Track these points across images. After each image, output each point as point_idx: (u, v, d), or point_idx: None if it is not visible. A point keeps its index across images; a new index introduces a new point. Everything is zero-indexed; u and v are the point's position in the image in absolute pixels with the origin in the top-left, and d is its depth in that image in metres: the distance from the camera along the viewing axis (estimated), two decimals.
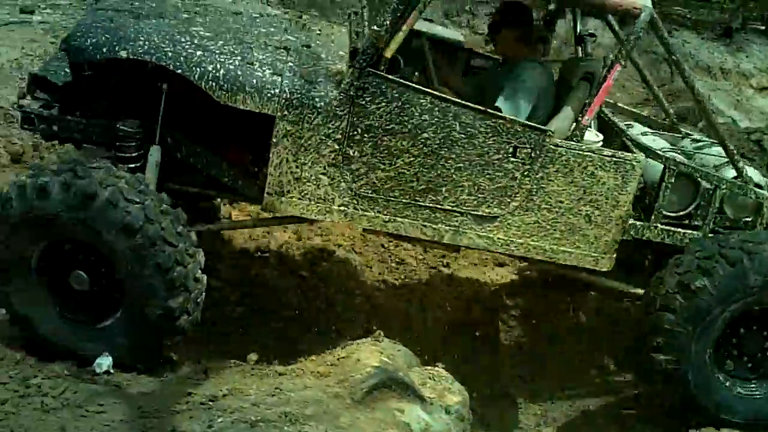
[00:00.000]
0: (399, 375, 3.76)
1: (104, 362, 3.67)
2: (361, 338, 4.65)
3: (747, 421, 4.34)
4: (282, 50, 4.18)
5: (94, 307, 3.85)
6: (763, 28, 14.42)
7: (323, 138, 3.98)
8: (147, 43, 3.87)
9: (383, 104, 3.95)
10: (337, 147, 4.00)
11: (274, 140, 3.96)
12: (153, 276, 3.63)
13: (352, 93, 3.92)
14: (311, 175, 4.05)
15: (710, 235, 4.49)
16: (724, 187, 4.46)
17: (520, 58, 4.56)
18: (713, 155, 4.87)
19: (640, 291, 4.61)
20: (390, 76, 3.96)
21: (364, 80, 3.90)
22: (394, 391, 3.69)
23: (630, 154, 4.27)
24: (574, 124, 4.23)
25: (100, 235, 3.58)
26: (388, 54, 3.88)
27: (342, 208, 4.13)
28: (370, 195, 4.13)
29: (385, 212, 4.17)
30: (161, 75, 3.93)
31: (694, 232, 4.51)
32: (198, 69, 3.86)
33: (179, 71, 3.85)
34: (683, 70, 4.51)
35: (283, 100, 3.90)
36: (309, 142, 3.98)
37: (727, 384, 4.37)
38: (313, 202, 4.11)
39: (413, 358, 4.40)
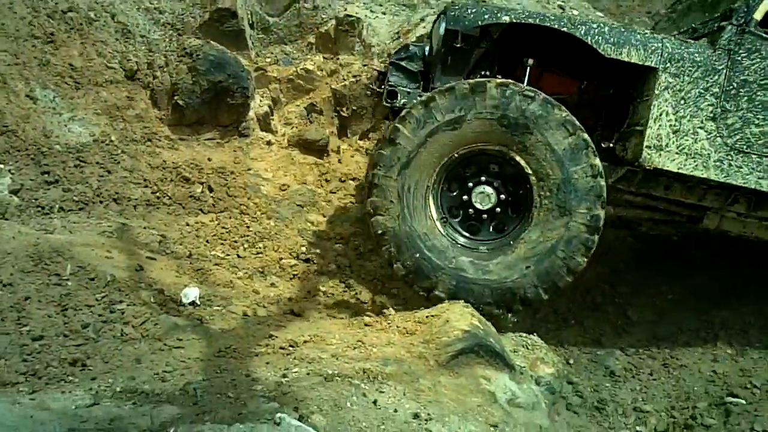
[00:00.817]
0: (489, 341, 3.55)
1: (191, 293, 3.65)
2: None
3: None
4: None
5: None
6: None
7: (702, 91, 4.15)
8: (525, 12, 4.25)
9: (758, 60, 4.14)
10: (714, 101, 4.15)
11: (656, 92, 4.12)
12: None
13: (730, 48, 4.13)
14: (689, 129, 4.18)
15: None
16: None
17: None
18: None
19: None
20: (765, 35, 4.16)
21: (740, 37, 4.13)
22: (481, 358, 3.48)
23: None
24: None
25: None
26: (758, 15, 4.13)
27: (717, 163, 4.22)
28: (744, 150, 4.23)
29: (758, 169, 4.26)
30: (524, 50, 4.33)
31: None
32: (582, 26, 4.11)
33: (564, 29, 4.08)
34: None
35: (666, 53, 4.11)
36: (689, 94, 4.15)
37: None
38: (690, 157, 4.22)
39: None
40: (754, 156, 4.23)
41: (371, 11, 6.80)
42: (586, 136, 3.94)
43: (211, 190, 5.23)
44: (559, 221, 3.96)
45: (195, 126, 5.65)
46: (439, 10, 6.92)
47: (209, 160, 5.48)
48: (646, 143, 4.16)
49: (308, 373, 3.06)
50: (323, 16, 6.67)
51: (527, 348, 3.89)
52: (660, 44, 4.12)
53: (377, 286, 5.02)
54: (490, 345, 3.53)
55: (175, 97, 5.50)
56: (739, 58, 4.14)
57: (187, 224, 4.87)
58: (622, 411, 4.47)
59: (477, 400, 3.27)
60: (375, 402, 2.92)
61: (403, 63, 4.60)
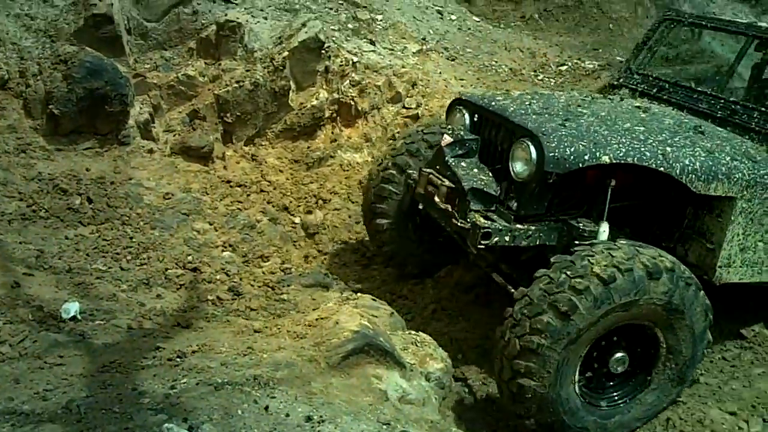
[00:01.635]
0: (378, 340, 3.60)
1: (71, 308, 3.53)
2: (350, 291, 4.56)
3: None
4: (701, 134, 4.45)
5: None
6: None
7: (766, 209, 4.35)
8: (622, 147, 4.05)
9: None
10: None
11: (732, 218, 4.27)
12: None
13: None
14: (752, 244, 4.40)
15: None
16: None
17: None
18: None
19: None
20: None
21: None
22: (372, 357, 3.54)
23: None
24: None
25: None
26: None
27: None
28: None
29: None
30: (606, 171, 4.17)
31: None
32: (677, 164, 4.09)
33: (661, 168, 4.06)
34: None
35: (744, 182, 4.22)
36: (756, 215, 4.34)
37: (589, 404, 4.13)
38: (749, 268, 4.46)
39: (398, 319, 4.27)
40: None
41: (252, 16, 6.78)
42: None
43: (90, 201, 5.06)
44: (675, 389, 4.15)
45: (72, 135, 5.45)
46: (320, 16, 7.02)
47: (88, 170, 5.30)
48: (718, 263, 4.35)
49: (197, 383, 3.02)
50: (203, 21, 6.59)
51: (417, 345, 3.97)
52: (740, 174, 4.22)
53: (267, 292, 5.01)
54: (380, 344, 3.58)
55: (50, 106, 5.30)
56: None
57: (66, 237, 4.69)
58: None
59: (369, 399, 3.32)
60: (266, 408, 2.92)
61: (478, 184, 4.27)
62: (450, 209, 4.30)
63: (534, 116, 4.29)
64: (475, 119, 4.68)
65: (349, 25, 7.37)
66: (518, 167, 4.15)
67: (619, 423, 4.07)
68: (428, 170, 4.56)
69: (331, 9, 7.45)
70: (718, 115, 4.73)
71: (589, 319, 3.65)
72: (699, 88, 5.05)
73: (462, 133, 4.59)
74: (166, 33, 6.51)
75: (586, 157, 3.97)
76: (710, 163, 4.17)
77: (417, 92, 6.94)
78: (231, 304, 4.74)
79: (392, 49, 7.39)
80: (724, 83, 5.33)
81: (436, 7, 8.80)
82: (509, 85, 7.60)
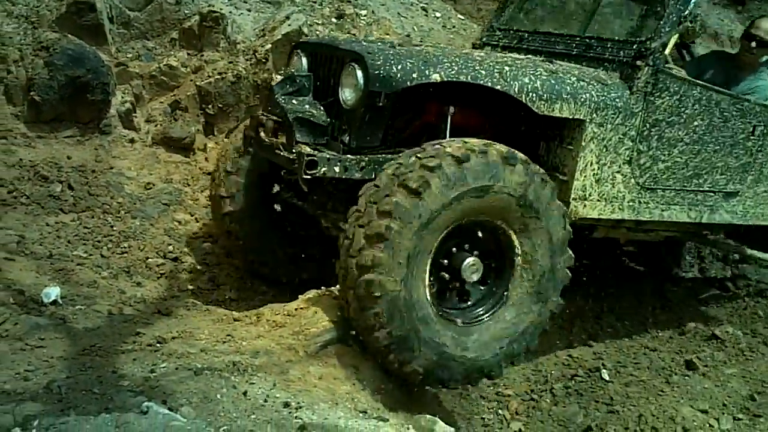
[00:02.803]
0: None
1: (52, 292, 3.55)
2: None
3: None
4: (548, 63, 4.19)
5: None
6: None
7: (621, 137, 4.14)
8: (455, 66, 3.75)
9: (666, 98, 4.21)
10: (631, 144, 4.18)
11: (583, 144, 4.03)
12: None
13: (646, 90, 4.12)
14: (609, 175, 4.18)
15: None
16: None
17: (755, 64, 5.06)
18: None
19: None
20: (674, 72, 4.24)
21: (655, 78, 4.13)
22: (349, 347, 3.60)
23: None
24: None
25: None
26: (668, 52, 4.18)
27: (630, 203, 4.32)
28: (651, 187, 4.36)
29: (662, 202, 4.44)
30: (444, 100, 3.92)
31: None
32: (516, 83, 3.83)
33: (498, 87, 3.78)
34: None
35: (593, 104, 3.99)
36: (610, 142, 4.12)
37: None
38: (608, 203, 4.25)
39: None
40: (659, 191, 4.41)
41: (236, 8, 6.78)
42: (570, 227, 3.85)
43: (71, 188, 5.06)
44: (536, 306, 3.84)
45: (53, 123, 5.43)
46: (303, 9, 7.04)
47: (69, 158, 5.29)
48: (572, 196, 4.11)
49: (177, 368, 3.06)
50: (186, 12, 6.58)
51: None
52: (588, 95, 4.00)
53: (246, 284, 5.03)
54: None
55: (31, 93, 5.28)
56: (653, 99, 4.19)
57: (47, 224, 4.69)
58: (484, 395, 4.69)
59: (346, 388, 3.38)
60: (245, 393, 2.97)
61: (304, 114, 3.90)
62: (275, 142, 3.97)
63: (366, 44, 4.00)
64: (312, 60, 4.30)
65: (333, 20, 7.38)
66: (347, 94, 3.84)
67: (480, 342, 3.73)
68: (258, 114, 4.22)
69: (315, 2, 7.46)
70: (574, 53, 4.47)
71: (442, 200, 3.39)
72: (556, 31, 4.77)
73: (293, 71, 4.25)
74: (148, 22, 6.48)
75: (415, 75, 3.67)
76: (553, 81, 3.94)
77: None
78: (211, 294, 4.77)
79: None
80: (585, 24, 4.94)
81: (421, 4, 8.84)
82: None
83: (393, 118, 3.95)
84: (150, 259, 4.80)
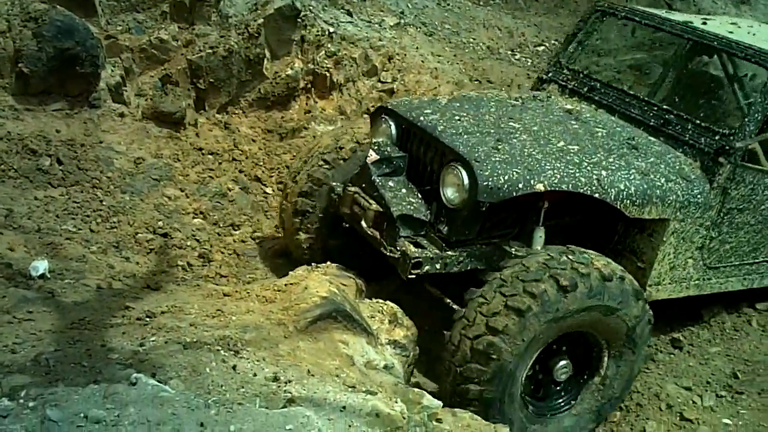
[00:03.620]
0: (346, 307, 3.65)
1: (40, 266, 3.53)
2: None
3: None
4: (634, 150, 4.34)
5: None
6: None
7: (698, 228, 4.38)
8: (556, 173, 3.92)
9: (742, 188, 4.44)
10: (705, 233, 4.43)
11: (664, 239, 4.27)
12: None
13: (725, 185, 4.33)
14: (682, 261, 4.44)
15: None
16: None
17: None
18: None
19: None
20: (751, 165, 4.45)
21: (733, 173, 4.33)
22: (339, 323, 3.59)
23: None
24: None
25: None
26: (746, 148, 4.36)
27: (696, 282, 4.60)
28: (715, 266, 4.63)
29: (723, 277, 4.73)
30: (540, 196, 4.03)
31: None
32: (612, 190, 4.00)
33: (596, 195, 3.96)
34: None
35: (678, 204, 4.21)
36: (688, 234, 4.36)
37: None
38: (677, 284, 4.52)
39: (366, 289, 4.32)
40: (722, 268, 4.68)
41: None
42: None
43: (60, 162, 5.03)
44: (591, 425, 4.20)
45: (41, 96, 5.38)
46: None
47: (58, 131, 5.25)
48: (648, 282, 4.36)
49: (166, 342, 3.05)
50: None
51: (382, 313, 4.02)
52: (674, 196, 4.19)
53: (237, 259, 5.03)
54: (347, 311, 3.63)
55: (19, 65, 5.22)
56: (729, 191, 4.38)
57: (36, 198, 4.67)
58: None
59: (335, 363, 3.38)
60: (234, 367, 2.96)
61: (408, 211, 4.04)
62: (378, 236, 4.08)
63: (465, 136, 4.07)
64: (403, 129, 4.39)
65: None
66: (449, 193, 3.96)
67: None
68: (353, 189, 4.28)
69: None
70: (651, 123, 4.59)
71: (544, 321, 3.62)
72: (631, 92, 4.92)
73: (389, 149, 4.30)
74: None
75: (521, 185, 3.82)
76: (645, 186, 4.09)
77: (393, 66, 6.95)
78: (201, 269, 4.77)
79: (369, 22, 7.39)
80: (657, 86, 5.27)
81: None
82: (485, 64, 7.65)
83: (491, 214, 4.04)
84: (139, 235, 4.79)
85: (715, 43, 4.72)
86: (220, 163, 5.92)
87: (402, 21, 7.65)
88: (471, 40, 7.95)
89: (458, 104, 4.51)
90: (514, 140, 4.12)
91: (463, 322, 3.74)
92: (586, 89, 5.00)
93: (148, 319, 3.30)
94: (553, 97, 4.97)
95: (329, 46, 6.68)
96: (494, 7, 9.37)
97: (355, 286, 4.15)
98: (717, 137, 4.31)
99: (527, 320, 3.57)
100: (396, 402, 3.09)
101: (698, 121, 4.47)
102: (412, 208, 4.08)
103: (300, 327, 3.47)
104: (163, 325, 3.20)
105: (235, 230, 5.33)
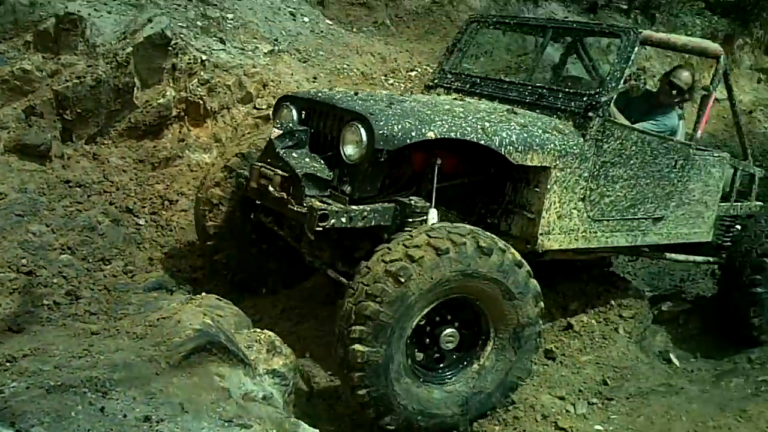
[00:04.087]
0: (221, 338, 3.59)
1: None
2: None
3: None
4: (514, 114, 4.74)
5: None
6: (626, 6, 15.05)
7: (577, 178, 4.74)
8: (446, 124, 4.29)
9: (612, 142, 4.85)
10: (584, 183, 4.79)
11: (548, 187, 4.61)
12: None
13: (597, 137, 4.75)
14: (567, 211, 4.77)
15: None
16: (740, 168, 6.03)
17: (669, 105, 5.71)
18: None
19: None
20: (618, 120, 4.97)
21: (602, 126, 4.75)
22: (214, 355, 3.52)
23: (722, 152, 5.79)
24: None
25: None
26: (611, 101, 4.82)
27: (583, 234, 4.93)
28: (599, 218, 4.98)
29: (607, 231, 5.07)
30: (431, 153, 4.45)
31: (746, 203, 6.17)
32: (496, 138, 4.37)
33: (482, 142, 4.33)
34: (734, 103, 6.04)
35: (557, 152, 4.58)
36: (569, 183, 4.71)
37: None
38: (566, 234, 4.83)
39: (244, 318, 4.27)
40: (605, 221, 5.02)
41: (95, 10, 6.56)
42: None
43: None
44: (500, 372, 4.31)
45: None
46: (167, 12, 6.89)
47: None
48: (539, 231, 4.68)
49: (28, 387, 2.91)
50: (41, 14, 6.32)
51: (260, 343, 3.98)
52: (552, 145, 4.56)
53: (108, 295, 4.88)
54: (222, 342, 3.57)
55: None
56: (601, 144, 4.79)
57: None
58: None
59: (211, 398, 3.31)
60: (102, 409, 2.86)
61: (311, 170, 4.36)
62: (285, 196, 4.34)
63: (360, 101, 4.51)
64: (303, 113, 4.78)
65: (198, 23, 7.26)
66: (349, 150, 4.31)
67: (446, 400, 4.19)
68: (260, 164, 4.60)
69: (179, 5, 7.31)
70: (527, 101, 5.04)
71: (423, 287, 3.85)
72: (507, 79, 5.46)
73: (291, 124, 4.69)
74: (0, 25, 6.18)
75: (413, 134, 4.18)
76: (525, 135, 4.49)
77: (268, 93, 6.95)
78: (69, 308, 4.60)
79: (243, 49, 7.36)
80: (531, 73, 5.75)
81: (289, 9, 8.82)
82: (360, 88, 7.76)
83: (389, 169, 4.43)
84: (1, 274, 4.56)
85: (574, 25, 5.43)
86: (89, 196, 5.73)
87: (276, 48, 7.66)
88: (345, 65, 8.05)
89: (352, 92, 4.99)
90: (405, 103, 4.56)
91: (350, 291, 3.96)
92: (468, 86, 5.51)
93: (8, 363, 3.13)
94: (439, 93, 5.51)
95: (202, 73, 6.63)
96: (367, 34, 9.54)
97: (232, 316, 4.10)
98: (585, 98, 4.78)
99: (441, 260, 3.85)
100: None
101: (568, 90, 4.98)
102: (315, 169, 4.39)
103: (173, 362, 3.39)
104: (24, 370, 3.05)
105: (106, 265, 5.17)
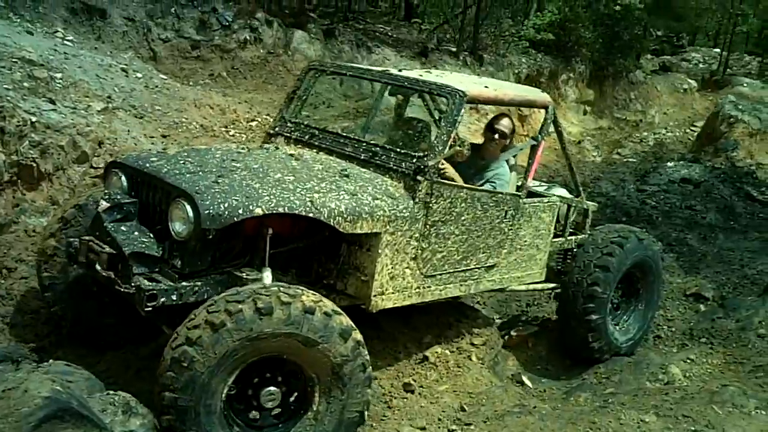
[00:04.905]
0: (73, 404, 3.48)
1: None
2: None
3: None
4: (346, 177, 4.79)
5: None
6: (455, 49, 15.96)
7: (408, 239, 4.84)
8: (273, 198, 4.28)
9: (441, 202, 4.96)
10: (415, 243, 4.89)
11: (379, 251, 4.69)
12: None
13: (426, 199, 4.85)
14: (400, 271, 4.86)
15: None
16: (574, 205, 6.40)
17: (497, 153, 5.92)
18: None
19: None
20: (444, 181, 5.04)
21: (431, 188, 4.85)
22: (67, 422, 3.39)
23: (552, 195, 6.14)
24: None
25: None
26: (439, 165, 4.99)
27: (417, 290, 5.04)
28: (431, 274, 5.09)
29: (440, 284, 5.20)
30: (262, 221, 4.38)
31: (579, 236, 6.55)
32: (324, 209, 4.40)
33: (311, 215, 4.35)
34: (565, 146, 6.42)
35: (386, 218, 4.64)
36: (400, 245, 4.80)
37: None
38: (399, 293, 4.92)
39: (96, 382, 4.13)
40: (437, 276, 5.15)
41: None
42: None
43: None
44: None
45: None
46: None
47: None
48: (372, 293, 4.75)
49: None
50: None
51: (115, 405, 3.87)
52: (382, 212, 4.63)
53: None
54: (75, 408, 3.46)
55: None
56: (431, 205, 4.90)
57: None
58: None
59: None
60: None
61: (139, 248, 4.26)
62: (113, 276, 4.25)
63: (188, 175, 4.39)
64: (133, 181, 4.66)
65: (25, 84, 7.02)
66: (177, 227, 4.23)
67: None
68: (88, 238, 4.48)
69: (3, 67, 7.04)
70: (362, 158, 5.13)
71: (243, 335, 3.80)
72: (344, 134, 5.51)
73: (119, 197, 4.56)
74: None
75: (240, 211, 4.16)
76: (354, 204, 4.54)
77: (105, 151, 6.81)
78: None
79: (75, 108, 7.17)
80: (366, 125, 5.97)
81: (121, 65, 8.70)
82: (200, 141, 7.74)
83: (220, 242, 4.37)
84: None
85: (405, 83, 5.45)
86: None
87: (110, 105, 7.52)
88: (183, 119, 8.03)
89: (185, 154, 4.85)
90: (235, 175, 4.47)
91: (171, 338, 3.90)
92: (307, 137, 5.53)
93: None
94: (279, 147, 5.42)
95: (33, 135, 6.38)
96: (204, 87, 9.56)
97: (83, 381, 3.96)
98: (414, 160, 4.88)
99: (220, 335, 3.76)
100: None
101: (399, 150, 5.06)
102: (143, 246, 4.31)
103: None
104: None
105: None
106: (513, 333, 6.99)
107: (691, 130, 13.89)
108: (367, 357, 4.20)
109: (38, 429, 3.29)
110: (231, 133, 8.20)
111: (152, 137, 7.32)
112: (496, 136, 5.85)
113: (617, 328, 6.72)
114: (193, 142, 7.49)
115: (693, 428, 5.08)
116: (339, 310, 4.14)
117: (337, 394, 4.15)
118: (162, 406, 3.80)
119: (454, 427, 5.04)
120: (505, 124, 5.89)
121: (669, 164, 12.39)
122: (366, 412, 4.31)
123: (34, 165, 6.30)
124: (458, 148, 5.22)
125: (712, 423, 5.17)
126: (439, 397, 5.35)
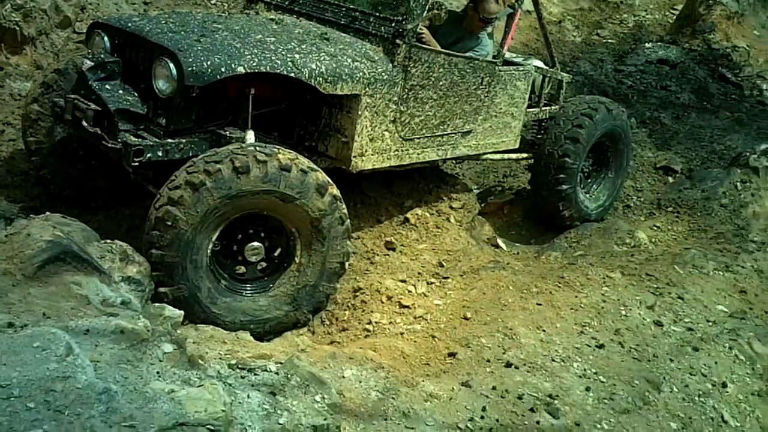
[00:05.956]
0: (74, 248, 3.67)
1: None
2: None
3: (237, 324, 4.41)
4: (326, 41, 4.87)
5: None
6: None
7: (387, 102, 4.96)
8: (255, 57, 4.35)
9: (419, 66, 5.08)
10: (394, 107, 5.03)
11: (359, 113, 4.80)
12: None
13: (405, 64, 4.95)
14: (379, 134, 5.01)
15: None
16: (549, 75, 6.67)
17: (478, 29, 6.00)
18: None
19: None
20: (423, 45, 5.16)
21: (409, 52, 4.95)
22: (69, 264, 3.59)
23: (528, 65, 6.30)
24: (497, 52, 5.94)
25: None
26: (417, 29, 5.04)
27: (396, 152, 5.23)
28: (410, 137, 5.27)
29: (418, 148, 5.41)
30: (245, 82, 4.53)
31: (553, 107, 6.81)
32: (306, 69, 4.48)
33: (292, 74, 4.43)
34: (541, 15, 6.58)
35: (365, 80, 4.74)
36: (379, 108, 4.93)
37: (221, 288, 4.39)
38: (379, 155, 5.10)
39: (92, 233, 4.32)
40: (416, 140, 5.32)
41: None
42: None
43: None
44: (286, 307, 4.51)
45: None
46: None
47: None
48: (353, 154, 4.90)
49: None
50: None
51: (113, 252, 4.08)
52: (361, 73, 4.72)
53: None
54: (76, 251, 3.65)
55: None
56: (409, 69, 4.99)
57: None
58: None
59: (70, 304, 3.42)
60: None
61: (125, 105, 4.35)
62: (99, 132, 4.36)
63: (171, 34, 4.44)
64: (116, 42, 4.71)
65: None
66: (161, 85, 4.32)
67: (228, 307, 4.32)
68: (73, 96, 4.55)
69: None
70: (342, 23, 5.22)
71: (219, 195, 4.00)
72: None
73: (103, 56, 4.61)
74: None
75: (223, 69, 4.23)
76: (334, 65, 4.64)
77: (87, 16, 6.76)
78: None
79: None
80: None
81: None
82: (183, 5, 7.67)
83: (203, 101, 4.46)
84: None
85: None
86: None
87: None
88: None
89: (167, 15, 4.95)
90: (216, 36, 4.52)
91: (155, 199, 4.11)
92: (287, 2, 5.60)
93: None
94: (259, 12, 5.52)
95: None
96: None
97: (80, 231, 4.14)
98: (393, 24, 4.98)
99: (201, 194, 3.97)
100: (139, 318, 3.24)
101: (378, 14, 5.12)
102: (128, 103, 4.40)
103: (28, 273, 3.45)
104: None
105: None
106: (489, 200, 7.25)
107: (671, 13, 13.78)
108: (345, 210, 4.44)
109: (42, 270, 3.49)
110: (213, 1, 8.11)
111: (134, 3, 7.24)
112: (481, 23, 5.93)
113: (587, 195, 7.01)
114: (174, 5, 7.41)
115: (655, 285, 5.43)
116: (315, 166, 4.33)
117: (317, 247, 4.41)
118: (151, 263, 4.06)
119: (432, 280, 5.35)
120: (491, 9, 5.89)
121: (647, 45, 12.39)
122: (346, 263, 4.61)
123: (17, 29, 6.27)
124: (436, 11, 5.33)
125: (673, 281, 5.52)
126: (418, 255, 5.63)
